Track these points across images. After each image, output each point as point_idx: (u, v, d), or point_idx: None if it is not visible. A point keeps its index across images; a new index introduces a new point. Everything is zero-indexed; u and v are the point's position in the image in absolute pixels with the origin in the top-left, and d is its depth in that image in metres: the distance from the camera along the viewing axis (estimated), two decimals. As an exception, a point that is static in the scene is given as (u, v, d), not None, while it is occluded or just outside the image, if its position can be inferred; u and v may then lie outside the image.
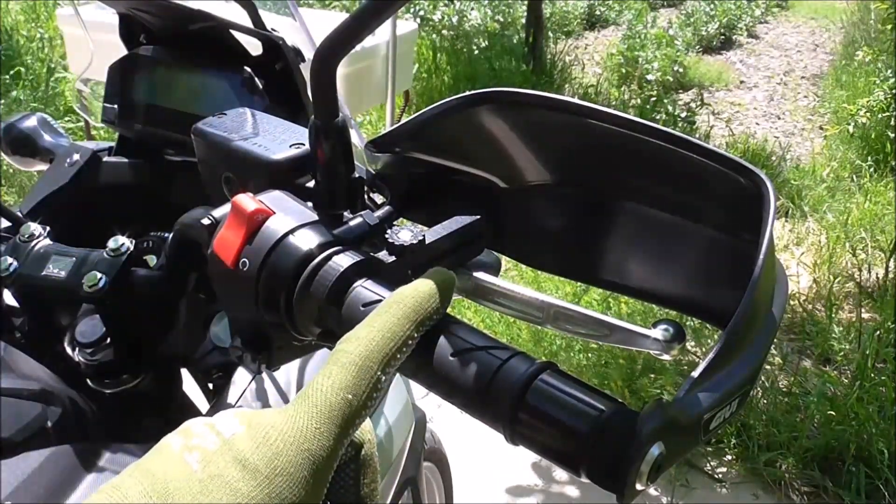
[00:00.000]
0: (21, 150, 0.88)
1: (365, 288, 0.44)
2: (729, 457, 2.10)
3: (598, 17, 7.43)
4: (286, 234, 0.47)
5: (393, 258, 0.49)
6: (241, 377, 0.70)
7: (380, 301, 0.41)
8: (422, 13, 5.67)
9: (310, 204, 0.51)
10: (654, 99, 4.82)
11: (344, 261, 0.46)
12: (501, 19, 5.86)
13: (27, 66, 4.11)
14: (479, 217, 0.55)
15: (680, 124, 4.38)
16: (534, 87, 4.50)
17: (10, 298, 0.67)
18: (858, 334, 2.46)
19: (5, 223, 0.72)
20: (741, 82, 5.95)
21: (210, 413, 0.65)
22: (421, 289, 0.40)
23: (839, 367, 2.42)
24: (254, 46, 0.80)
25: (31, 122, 0.89)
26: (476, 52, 5.16)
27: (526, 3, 5.46)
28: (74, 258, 0.66)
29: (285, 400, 0.66)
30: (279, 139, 0.59)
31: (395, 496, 0.83)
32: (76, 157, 0.83)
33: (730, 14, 7.21)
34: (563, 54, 5.49)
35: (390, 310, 0.39)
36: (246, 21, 0.78)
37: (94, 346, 0.63)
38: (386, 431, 0.96)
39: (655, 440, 0.33)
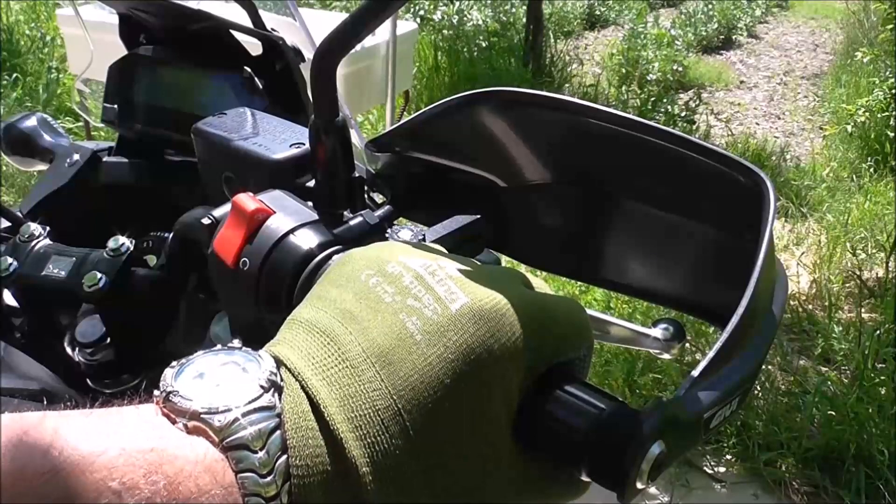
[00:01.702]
0: (21, 150, 0.88)
1: None
2: (729, 457, 2.10)
3: (598, 17, 7.42)
4: (286, 234, 0.47)
5: (393, 258, 0.49)
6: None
7: None
8: (422, 13, 5.67)
9: (310, 203, 0.51)
10: (653, 99, 4.81)
11: (344, 260, 0.46)
12: (502, 19, 5.86)
13: (27, 67, 4.11)
14: (478, 216, 0.55)
15: (679, 124, 4.38)
16: (534, 87, 4.50)
17: (10, 298, 0.67)
18: (858, 334, 2.46)
19: (5, 223, 0.72)
20: (741, 82, 5.95)
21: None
22: None
23: (839, 367, 2.42)
24: (254, 46, 0.80)
25: (31, 122, 0.88)
26: (476, 52, 5.16)
27: (526, 3, 5.46)
28: (74, 258, 0.66)
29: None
30: (279, 139, 0.59)
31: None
32: (76, 157, 0.83)
33: (729, 14, 7.21)
34: (563, 54, 5.49)
35: None
36: (246, 21, 0.78)
37: (94, 346, 0.63)
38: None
39: (656, 438, 0.33)
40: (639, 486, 0.33)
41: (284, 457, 0.30)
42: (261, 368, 0.32)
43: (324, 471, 0.31)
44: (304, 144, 0.57)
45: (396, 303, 0.35)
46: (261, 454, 0.30)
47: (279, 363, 0.34)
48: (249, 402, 0.31)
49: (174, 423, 0.30)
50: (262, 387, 0.32)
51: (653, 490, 1.95)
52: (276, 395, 0.32)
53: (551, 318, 0.37)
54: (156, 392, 0.32)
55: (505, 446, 0.34)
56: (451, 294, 0.35)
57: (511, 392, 0.35)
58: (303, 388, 0.32)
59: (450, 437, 0.33)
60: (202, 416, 0.30)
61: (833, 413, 2.13)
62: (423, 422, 0.32)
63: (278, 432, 0.31)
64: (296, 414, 0.31)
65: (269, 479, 0.30)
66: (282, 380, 0.33)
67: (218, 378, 0.32)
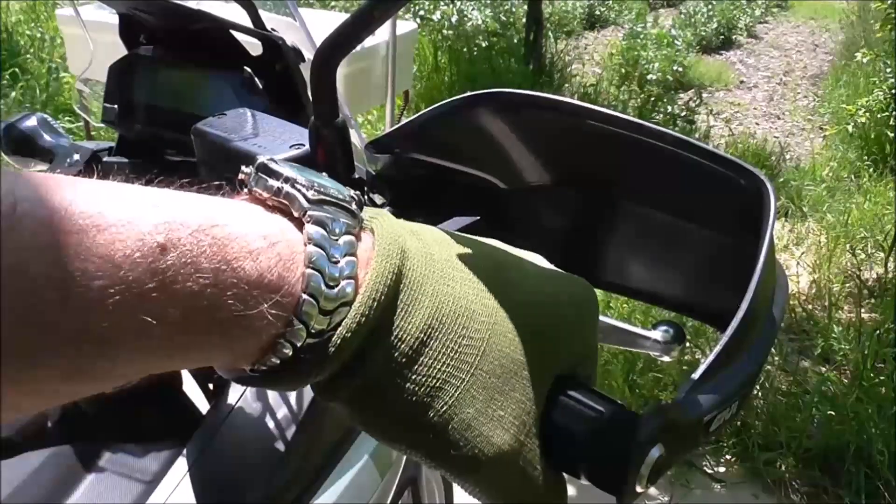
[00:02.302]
0: (21, 150, 0.88)
1: None
2: (728, 457, 2.10)
3: (598, 17, 7.43)
4: (286, 235, 0.47)
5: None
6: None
7: None
8: (422, 13, 5.67)
9: (310, 205, 0.51)
10: (653, 99, 4.81)
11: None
12: (502, 19, 5.86)
13: (27, 67, 4.11)
14: (478, 217, 0.55)
15: (679, 124, 4.38)
16: (534, 87, 4.50)
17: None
18: (858, 334, 2.46)
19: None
20: (741, 82, 5.94)
21: (211, 415, 0.65)
22: None
23: (839, 367, 2.42)
24: (254, 46, 0.80)
25: (31, 122, 0.88)
26: (476, 51, 5.16)
27: (526, 3, 5.45)
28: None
29: (286, 400, 0.66)
30: (279, 139, 0.59)
31: (395, 496, 0.83)
32: (76, 157, 0.83)
33: (729, 14, 7.21)
34: (563, 54, 5.49)
35: None
36: (246, 21, 0.78)
37: (94, 346, 0.63)
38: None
39: (655, 442, 0.33)
40: (638, 489, 0.33)
41: (354, 259, 0.30)
42: (348, 189, 0.33)
43: (389, 303, 0.31)
44: (303, 145, 0.57)
45: (506, 248, 0.38)
46: (336, 242, 0.30)
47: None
48: (344, 200, 0.31)
49: (261, 197, 0.31)
50: (350, 197, 0.32)
51: (653, 490, 1.95)
52: (359, 210, 0.32)
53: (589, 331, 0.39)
54: (245, 169, 0.33)
55: (537, 410, 0.35)
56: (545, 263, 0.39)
57: (550, 374, 0.36)
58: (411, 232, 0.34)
59: (512, 362, 0.33)
60: (297, 183, 0.31)
61: (833, 413, 2.13)
62: (505, 326, 0.33)
63: (354, 238, 0.31)
64: (391, 234, 0.32)
65: (336, 266, 0.29)
66: (366, 213, 0.33)
67: (311, 175, 0.33)
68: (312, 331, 0.29)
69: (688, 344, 2.35)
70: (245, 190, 0.32)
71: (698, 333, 2.39)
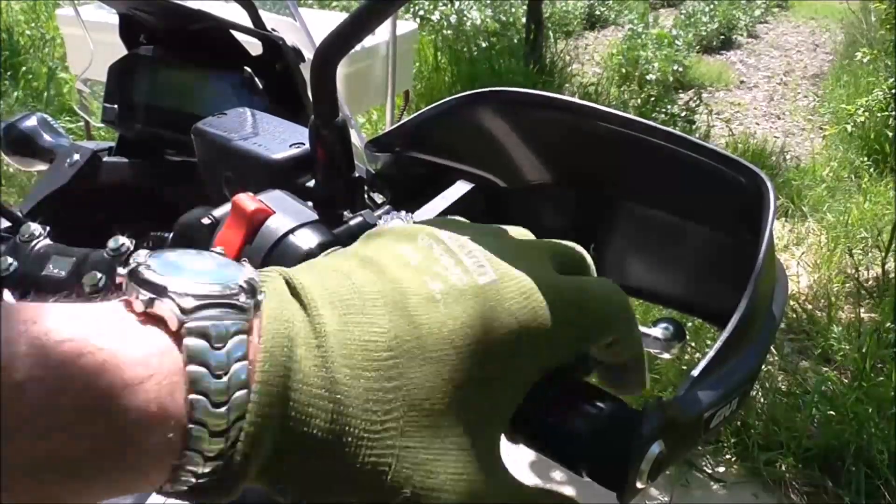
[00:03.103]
0: (21, 150, 0.88)
1: None
2: (728, 456, 2.10)
3: (598, 17, 7.43)
4: (286, 234, 0.47)
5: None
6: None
7: None
8: (422, 13, 5.67)
9: (310, 203, 0.51)
10: (653, 99, 4.82)
11: (344, 260, 0.46)
12: (502, 19, 5.86)
13: (27, 67, 4.11)
14: (472, 186, 0.55)
15: (679, 124, 4.38)
16: (534, 87, 4.50)
17: (10, 298, 0.67)
18: (858, 334, 2.46)
19: (5, 223, 0.72)
20: (741, 82, 5.94)
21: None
22: None
23: (839, 367, 2.42)
24: (254, 46, 0.80)
25: (31, 122, 0.88)
26: (476, 51, 5.16)
27: (526, 3, 5.46)
28: (74, 258, 0.66)
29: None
30: (279, 139, 0.59)
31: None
32: (76, 157, 0.83)
33: (729, 14, 7.21)
34: (563, 54, 5.49)
35: None
36: (246, 21, 0.78)
37: (95, 345, 0.63)
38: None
39: (655, 439, 0.33)
40: (639, 486, 0.33)
41: (244, 363, 0.27)
42: (241, 272, 0.30)
43: (288, 389, 0.28)
44: (304, 144, 0.57)
45: (422, 267, 0.34)
46: (220, 352, 0.27)
47: (288, 284, 0.31)
48: (231, 293, 0.29)
49: (131, 304, 0.28)
50: (240, 286, 0.29)
51: (653, 490, 1.95)
52: (251, 299, 0.29)
53: (577, 307, 0.35)
54: (121, 270, 0.29)
55: (497, 434, 0.33)
56: (480, 268, 0.34)
57: (521, 380, 0.33)
58: (302, 303, 0.30)
59: (441, 402, 0.31)
60: (168, 292, 0.28)
61: (833, 413, 2.13)
62: (419, 376, 0.30)
63: (245, 337, 0.28)
64: (277, 320, 0.29)
65: (222, 381, 0.27)
66: (262, 293, 0.30)
67: (194, 269, 0.30)
68: (208, 456, 0.27)
69: (687, 343, 2.35)
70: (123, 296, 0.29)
71: (698, 333, 2.40)
